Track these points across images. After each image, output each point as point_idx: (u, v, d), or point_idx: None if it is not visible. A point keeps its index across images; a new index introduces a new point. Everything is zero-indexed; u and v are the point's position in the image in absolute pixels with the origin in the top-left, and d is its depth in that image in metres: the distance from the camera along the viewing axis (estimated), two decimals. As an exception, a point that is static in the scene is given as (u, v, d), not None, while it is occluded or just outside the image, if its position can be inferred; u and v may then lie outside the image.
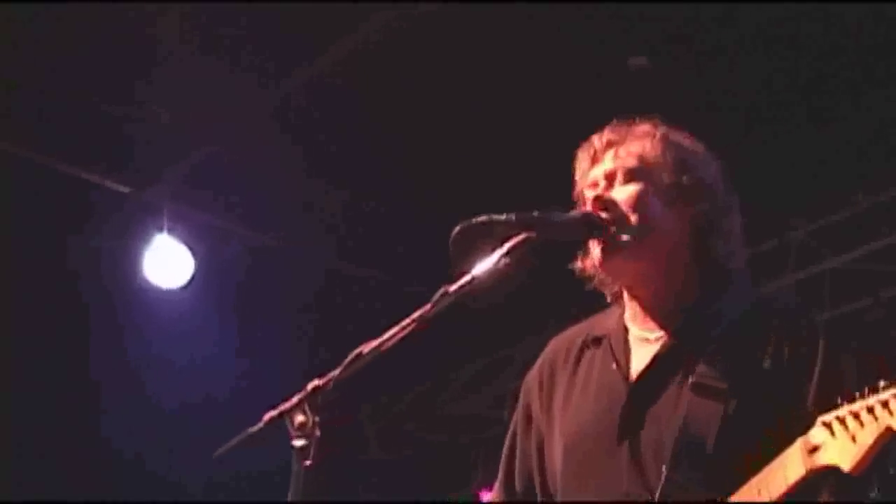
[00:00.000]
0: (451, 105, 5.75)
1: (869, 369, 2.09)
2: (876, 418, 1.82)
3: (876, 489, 1.93)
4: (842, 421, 1.87)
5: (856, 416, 1.85)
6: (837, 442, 1.87)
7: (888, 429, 1.81)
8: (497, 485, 2.54)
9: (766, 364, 2.17)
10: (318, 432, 2.02)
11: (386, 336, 2.10)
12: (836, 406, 1.89)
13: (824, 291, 6.25)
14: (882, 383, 1.82)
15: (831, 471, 1.91)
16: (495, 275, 2.12)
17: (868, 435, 1.83)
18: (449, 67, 5.52)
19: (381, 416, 8.46)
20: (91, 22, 5.26)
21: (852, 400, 1.86)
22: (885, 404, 1.81)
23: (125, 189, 6.49)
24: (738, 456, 2.07)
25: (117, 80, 5.67)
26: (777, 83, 5.58)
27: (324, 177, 6.58)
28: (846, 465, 1.86)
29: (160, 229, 6.50)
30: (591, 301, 2.45)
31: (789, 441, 1.98)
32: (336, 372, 2.07)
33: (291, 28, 5.31)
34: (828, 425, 1.89)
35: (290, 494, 2.00)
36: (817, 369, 2.14)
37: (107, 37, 5.39)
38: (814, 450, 1.92)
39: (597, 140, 2.37)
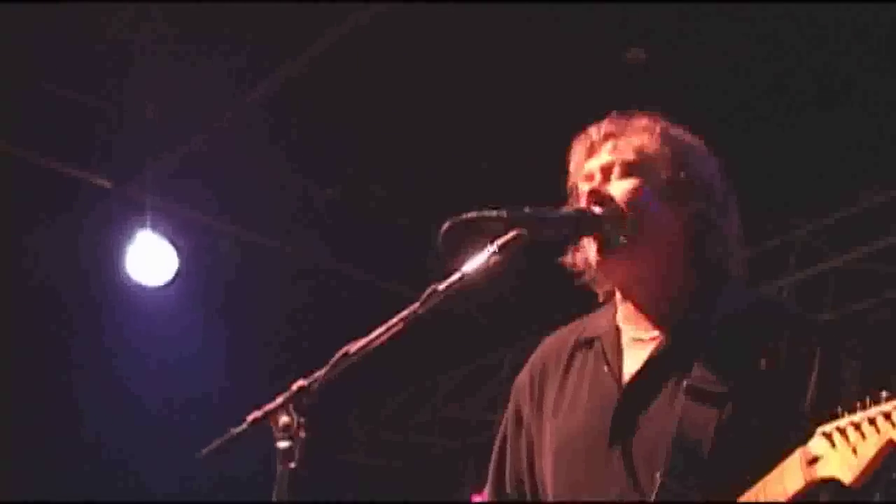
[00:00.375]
0: (443, 100, 5.71)
1: (870, 372, 2.05)
2: (878, 430, 1.76)
3: (877, 496, 1.88)
4: (842, 432, 1.80)
5: (857, 426, 1.78)
6: (838, 453, 1.81)
7: (890, 441, 1.75)
8: (487, 488, 2.47)
9: (763, 367, 2.11)
10: (302, 434, 1.97)
11: (373, 335, 2.04)
12: (835, 413, 1.83)
13: (827, 292, 6.19)
14: (885, 394, 1.76)
15: (831, 483, 1.86)
16: (485, 273, 2.05)
17: (870, 447, 1.77)
18: (441, 62, 5.49)
19: (371, 419, 8.42)
20: (74, 15, 5.20)
21: (853, 407, 1.80)
22: (887, 416, 1.74)
23: (107, 184, 6.43)
24: (735, 462, 2.02)
25: (100, 73, 5.62)
26: (780, 79, 5.56)
27: (310, 173, 6.54)
28: (847, 478, 1.80)
29: (143, 225, 6.43)
30: (584, 302, 2.39)
31: (787, 446, 1.92)
32: (321, 372, 2.01)
33: (278, 23, 5.26)
34: (828, 436, 1.83)
35: (273, 497, 1.94)
36: (815, 372, 2.09)
37: (89, 29, 5.33)
38: (813, 461, 1.86)
39: (594, 131, 2.30)
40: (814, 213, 6.25)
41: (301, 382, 2.00)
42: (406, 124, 5.97)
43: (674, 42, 5.33)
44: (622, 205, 2.19)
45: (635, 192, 2.20)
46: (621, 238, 2.17)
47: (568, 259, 2.30)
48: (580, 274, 2.30)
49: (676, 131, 2.31)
